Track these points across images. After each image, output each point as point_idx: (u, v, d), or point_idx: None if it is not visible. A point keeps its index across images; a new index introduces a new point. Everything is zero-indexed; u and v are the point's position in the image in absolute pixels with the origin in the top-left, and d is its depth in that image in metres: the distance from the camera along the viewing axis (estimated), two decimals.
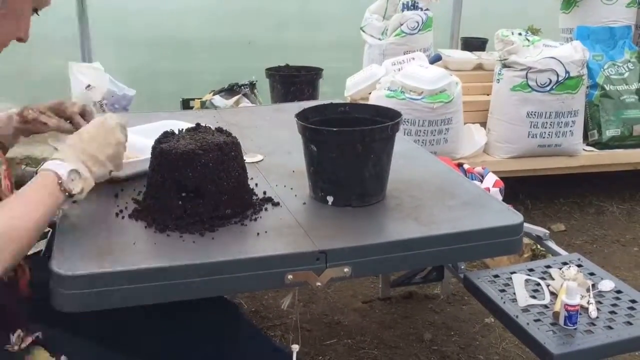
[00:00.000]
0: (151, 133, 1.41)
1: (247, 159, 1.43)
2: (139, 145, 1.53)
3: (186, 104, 3.45)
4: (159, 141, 1.26)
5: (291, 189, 1.41)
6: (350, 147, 1.28)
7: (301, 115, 1.35)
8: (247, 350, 1.32)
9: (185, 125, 1.34)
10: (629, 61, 3.43)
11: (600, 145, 3.31)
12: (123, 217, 1.25)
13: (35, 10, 1.20)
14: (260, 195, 1.35)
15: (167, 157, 1.20)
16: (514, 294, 1.65)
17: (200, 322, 1.31)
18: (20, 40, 1.19)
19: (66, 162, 1.12)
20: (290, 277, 1.12)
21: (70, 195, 1.11)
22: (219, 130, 1.30)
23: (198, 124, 1.31)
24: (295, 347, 1.29)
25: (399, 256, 1.19)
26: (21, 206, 1.06)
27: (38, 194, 1.08)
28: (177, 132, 1.28)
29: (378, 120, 1.36)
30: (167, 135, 1.27)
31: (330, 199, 1.32)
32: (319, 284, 1.13)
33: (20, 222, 1.03)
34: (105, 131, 1.21)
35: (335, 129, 1.28)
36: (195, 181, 1.19)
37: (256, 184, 1.40)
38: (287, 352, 1.37)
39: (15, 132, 1.38)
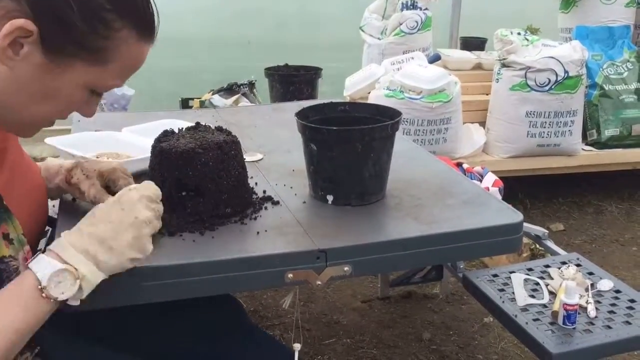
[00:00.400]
0: (150, 132, 1.41)
1: (247, 157, 1.43)
2: (139, 144, 1.53)
3: (185, 104, 3.45)
4: (158, 140, 1.26)
5: (291, 187, 1.41)
6: (350, 146, 1.28)
7: (301, 114, 1.35)
8: (248, 347, 1.32)
9: (184, 124, 1.34)
10: (628, 61, 3.43)
11: (599, 144, 3.31)
12: None
13: (95, 92, 1.00)
14: (260, 194, 1.35)
15: (167, 156, 1.20)
16: (513, 293, 1.65)
17: (200, 320, 1.31)
18: (82, 114, 1.03)
19: (56, 259, 0.91)
20: (290, 275, 1.12)
21: (60, 301, 0.91)
22: (219, 129, 1.30)
23: (198, 123, 1.31)
24: (297, 346, 1.29)
25: (399, 255, 1.19)
26: None
27: (11, 303, 0.89)
28: (176, 131, 1.28)
29: (378, 119, 1.36)
30: (166, 134, 1.27)
31: (330, 197, 1.32)
32: (319, 282, 1.13)
33: None
34: (123, 208, 0.98)
35: (335, 128, 1.28)
36: (195, 180, 1.19)
37: (256, 183, 1.40)
38: (287, 350, 1.37)
39: (57, 189, 1.22)
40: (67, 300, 0.92)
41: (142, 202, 1.00)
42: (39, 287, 0.90)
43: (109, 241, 0.95)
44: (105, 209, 0.98)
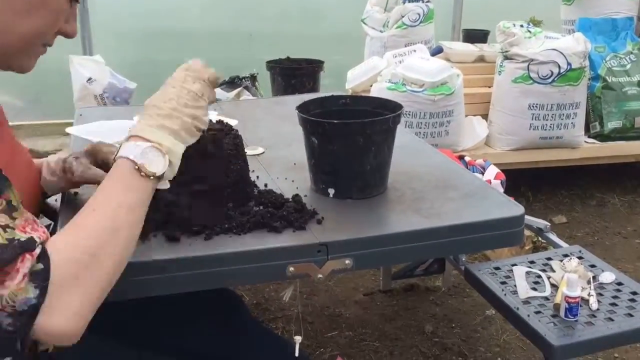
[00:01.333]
0: None
1: (249, 151, 1.43)
2: None
3: None
4: None
5: (292, 181, 1.41)
6: (351, 139, 1.27)
7: (302, 108, 1.35)
8: (248, 341, 1.33)
9: None
10: (631, 53, 3.42)
11: (602, 137, 3.30)
12: None
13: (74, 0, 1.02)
14: (262, 188, 1.35)
15: None
16: (515, 286, 1.65)
17: (200, 314, 1.32)
18: (66, 35, 1.04)
19: (140, 140, 0.97)
20: (291, 269, 1.12)
21: (158, 177, 0.97)
22: (220, 122, 1.30)
23: None
24: (298, 339, 1.29)
25: (401, 248, 1.19)
26: (99, 211, 0.92)
27: (115, 187, 0.95)
28: None
29: (379, 112, 1.36)
30: None
31: (331, 191, 1.32)
32: (320, 276, 1.13)
33: (100, 232, 0.90)
34: (174, 86, 1.06)
35: (336, 121, 1.28)
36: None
37: (257, 177, 1.40)
38: (288, 343, 1.37)
39: (59, 180, 1.24)
40: (162, 176, 0.98)
41: (188, 77, 1.06)
42: (135, 167, 0.95)
43: (174, 114, 1.02)
44: (160, 92, 1.05)
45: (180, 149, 1.01)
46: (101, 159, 1.22)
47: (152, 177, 0.96)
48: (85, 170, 1.19)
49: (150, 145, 0.97)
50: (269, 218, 1.19)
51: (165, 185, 1.01)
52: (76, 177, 1.20)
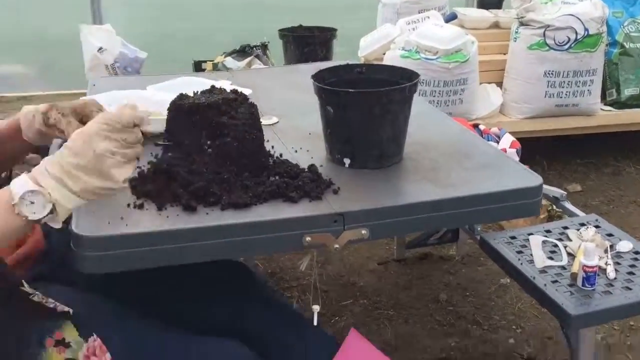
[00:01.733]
0: (176, 89, 1.39)
1: (263, 121, 1.42)
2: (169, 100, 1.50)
3: (198, 66, 3.43)
4: (174, 103, 1.24)
5: (307, 151, 1.40)
6: (368, 108, 1.26)
7: (317, 77, 1.33)
8: (260, 310, 1.33)
9: (206, 81, 1.31)
10: None
11: (619, 104, 3.25)
12: None
13: None
14: (277, 158, 1.34)
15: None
16: (531, 255, 1.65)
17: (215, 285, 1.32)
18: None
19: (32, 181, 0.94)
20: (308, 239, 1.12)
21: (32, 220, 0.94)
22: (234, 92, 1.29)
23: (213, 86, 1.30)
24: (316, 308, 1.30)
25: (417, 218, 1.18)
26: None
27: None
28: (191, 94, 1.27)
29: (395, 81, 1.34)
30: (182, 98, 1.26)
31: (347, 161, 1.31)
32: (336, 246, 1.13)
33: None
34: (84, 141, 0.97)
35: (352, 90, 1.26)
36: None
37: (272, 147, 1.39)
38: (300, 313, 1.38)
39: (38, 133, 1.22)
40: (41, 220, 0.95)
41: (100, 134, 0.97)
42: (12, 203, 0.93)
43: (75, 172, 0.96)
44: (72, 141, 0.98)
45: (72, 202, 0.97)
46: (86, 118, 1.19)
47: (25, 218, 0.94)
48: (69, 127, 1.18)
49: (37, 189, 0.94)
50: (285, 188, 1.18)
51: (56, 225, 0.97)
52: (65, 137, 1.16)
